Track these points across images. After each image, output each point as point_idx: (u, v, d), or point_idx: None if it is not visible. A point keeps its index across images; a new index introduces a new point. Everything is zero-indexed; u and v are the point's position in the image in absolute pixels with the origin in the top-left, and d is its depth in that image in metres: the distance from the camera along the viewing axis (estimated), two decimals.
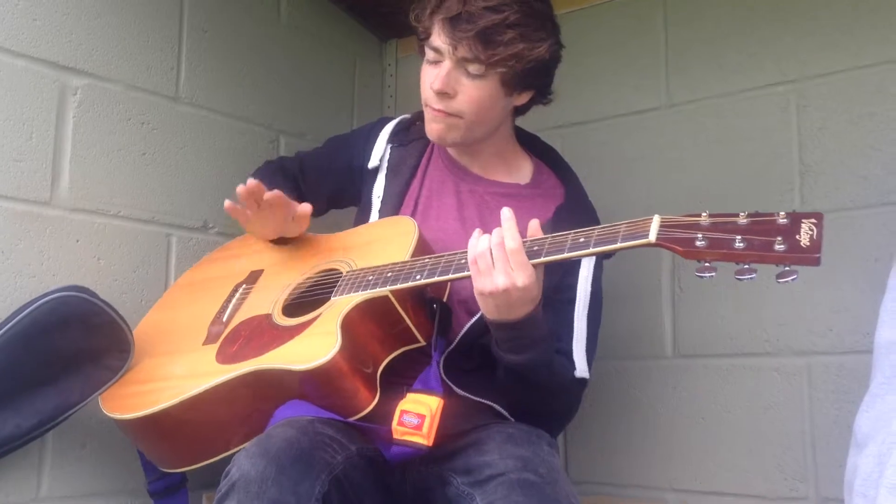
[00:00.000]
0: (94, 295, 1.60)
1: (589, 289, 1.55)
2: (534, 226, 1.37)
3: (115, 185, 1.83)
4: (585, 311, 1.54)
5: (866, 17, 1.86)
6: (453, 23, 1.48)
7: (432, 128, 1.60)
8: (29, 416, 1.53)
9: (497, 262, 1.31)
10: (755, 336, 1.91)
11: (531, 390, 1.46)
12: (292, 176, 1.83)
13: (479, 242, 1.34)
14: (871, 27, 1.85)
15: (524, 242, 1.33)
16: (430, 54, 1.55)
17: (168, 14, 1.98)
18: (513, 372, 1.42)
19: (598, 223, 1.58)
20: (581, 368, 1.51)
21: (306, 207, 1.62)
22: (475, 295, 1.36)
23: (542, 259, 1.31)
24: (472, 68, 1.51)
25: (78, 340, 1.57)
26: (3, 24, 1.66)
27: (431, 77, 1.55)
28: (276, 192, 1.57)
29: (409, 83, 2.55)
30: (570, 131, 2.18)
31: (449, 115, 1.56)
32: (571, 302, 1.55)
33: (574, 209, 1.61)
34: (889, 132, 1.80)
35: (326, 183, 1.83)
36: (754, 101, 1.98)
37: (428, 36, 1.55)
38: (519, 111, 1.67)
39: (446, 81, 1.52)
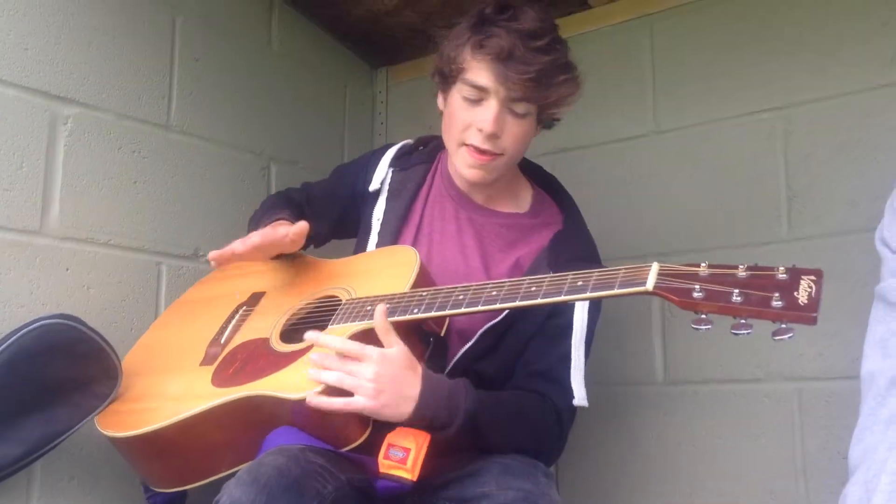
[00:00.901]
0: (81, 322, 1.59)
1: (586, 317, 1.55)
2: (379, 310, 1.37)
3: (106, 213, 1.83)
4: (583, 339, 1.54)
5: (851, 44, 1.88)
6: (506, 64, 1.47)
7: (474, 174, 1.58)
8: (16, 446, 1.52)
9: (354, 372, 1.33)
10: (745, 362, 1.92)
11: (504, 438, 1.46)
12: (298, 204, 1.83)
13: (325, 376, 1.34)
14: (856, 54, 1.87)
15: (522, 282, 1.32)
16: (469, 91, 1.53)
17: (160, 43, 1.99)
18: (452, 440, 1.39)
19: (595, 252, 1.61)
20: (580, 396, 1.50)
21: (302, 226, 1.59)
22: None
23: (540, 301, 1.29)
24: (520, 108, 1.51)
25: (64, 368, 1.56)
26: None
27: (474, 116, 1.53)
28: (259, 237, 1.56)
29: (400, 110, 2.57)
30: (559, 157, 2.19)
31: (494, 155, 1.55)
32: (567, 328, 1.54)
33: (571, 237, 1.62)
34: (875, 158, 1.82)
35: (331, 210, 1.83)
36: (741, 128, 2.00)
37: (462, 72, 1.54)
38: None
39: (498, 123, 1.51)
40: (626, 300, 2.02)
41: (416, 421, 1.34)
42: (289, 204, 1.81)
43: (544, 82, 1.48)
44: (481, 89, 1.51)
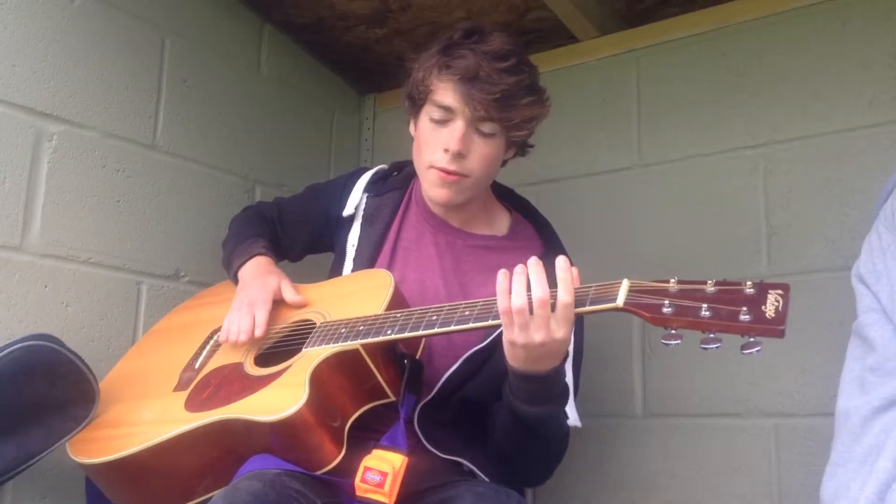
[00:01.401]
0: (60, 344, 1.58)
1: (572, 340, 1.53)
2: (562, 264, 1.29)
3: (88, 231, 1.83)
4: (571, 362, 1.53)
5: (832, 85, 1.91)
6: (472, 83, 1.49)
7: (441, 193, 1.58)
8: None
9: (538, 317, 1.26)
10: (724, 397, 1.92)
11: (536, 441, 1.45)
12: (270, 221, 1.85)
13: (516, 295, 1.27)
14: (837, 94, 1.90)
15: (495, 301, 1.30)
16: (436, 112, 1.55)
17: (148, 63, 2.00)
18: (523, 423, 1.41)
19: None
20: (573, 417, 1.50)
21: (301, 301, 1.63)
22: (504, 343, 1.32)
23: None
24: (486, 128, 1.53)
25: (43, 390, 1.55)
26: None
27: (441, 137, 1.54)
28: (265, 312, 1.58)
29: (387, 137, 2.59)
30: (544, 188, 2.21)
31: (460, 176, 1.55)
32: (564, 361, 1.54)
33: (549, 262, 1.61)
34: (855, 197, 1.84)
35: (303, 230, 1.84)
36: (723, 164, 2.02)
37: (430, 93, 1.56)
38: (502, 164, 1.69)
39: (465, 143, 1.53)
40: (607, 331, 2.05)
41: (535, 382, 1.35)
42: (262, 226, 1.81)
43: (510, 103, 1.50)
44: (447, 109, 1.53)
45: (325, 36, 2.40)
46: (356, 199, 1.76)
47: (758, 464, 1.86)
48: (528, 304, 1.27)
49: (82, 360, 1.60)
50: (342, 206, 1.75)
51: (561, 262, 1.29)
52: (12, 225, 1.70)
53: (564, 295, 1.25)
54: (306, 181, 2.12)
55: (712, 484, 1.91)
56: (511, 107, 1.50)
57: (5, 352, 1.53)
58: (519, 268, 1.30)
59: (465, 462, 1.52)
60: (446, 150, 1.53)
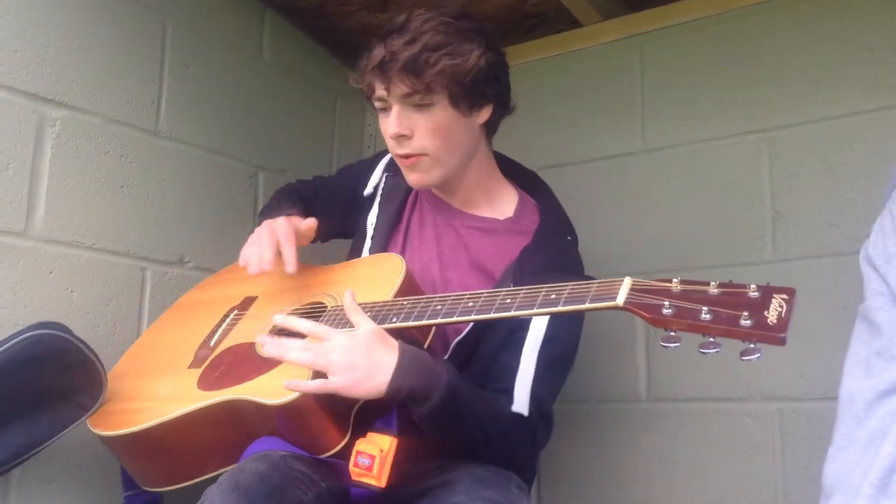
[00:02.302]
0: (69, 332, 1.58)
1: (544, 328, 1.51)
2: (347, 294, 1.43)
3: (91, 217, 1.82)
4: (536, 349, 1.50)
5: (836, 69, 1.90)
6: (381, 67, 1.51)
7: (410, 178, 1.61)
8: None
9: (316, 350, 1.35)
10: (728, 381, 1.93)
11: (462, 438, 1.43)
12: (306, 198, 1.87)
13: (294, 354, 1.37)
14: (841, 79, 1.89)
15: (497, 294, 1.31)
16: (377, 105, 1.58)
17: (150, 48, 1.99)
18: (427, 428, 1.39)
19: (565, 261, 1.59)
20: (519, 402, 1.47)
21: (311, 223, 1.68)
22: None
23: (513, 313, 1.29)
24: (416, 99, 1.52)
25: (51, 378, 1.55)
26: None
27: (385, 126, 1.58)
28: (288, 242, 1.62)
29: None
30: (547, 174, 2.19)
31: (416, 156, 1.57)
32: (522, 340, 1.52)
33: (536, 251, 1.59)
34: (860, 181, 1.84)
35: (334, 210, 1.86)
36: (727, 149, 2.02)
37: (372, 92, 1.58)
38: (489, 131, 1.66)
39: (400, 123, 1.54)
40: (610, 315, 2.04)
41: (394, 393, 1.32)
42: (298, 198, 1.84)
43: (418, 67, 1.49)
44: (380, 100, 1.56)
45: (327, 20, 2.39)
46: (376, 180, 1.79)
47: (761, 448, 1.87)
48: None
49: (90, 349, 1.60)
50: (365, 186, 1.79)
51: (347, 296, 1.43)
52: (16, 211, 1.69)
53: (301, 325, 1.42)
54: (309, 166, 2.13)
55: (716, 468, 1.91)
56: (421, 70, 1.49)
57: (16, 340, 1.53)
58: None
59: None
60: (389, 136, 1.57)
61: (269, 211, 1.80)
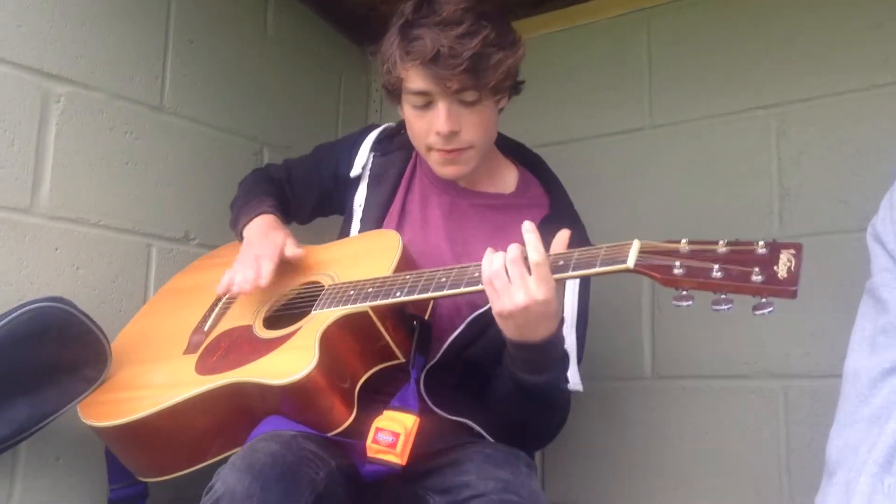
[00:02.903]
0: (72, 305, 1.58)
1: (576, 302, 1.53)
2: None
3: (97, 193, 1.82)
4: (574, 326, 1.52)
5: (845, 45, 1.88)
6: (436, 62, 1.44)
7: (449, 170, 1.58)
8: (2, 426, 1.51)
9: (514, 278, 1.27)
10: (733, 358, 1.93)
11: (538, 408, 1.44)
12: (279, 182, 1.84)
13: (493, 261, 1.29)
14: (850, 54, 1.88)
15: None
16: (414, 99, 1.52)
17: (154, 24, 1.98)
18: (526, 391, 1.40)
19: (584, 234, 1.60)
20: (574, 381, 1.49)
21: (300, 254, 1.61)
22: (495, 316, 1.32)
23: None
24: (468, 96, 1.49)
25: (55, 351, 1.55)
26: None
27: (429, 121, 1.52)
28: (272, 263, 1.57)
29: None
30: (553, 150, 2.18)
31: (462, 149, 1.54)
32: (560, 327, 1.51)
33: (559, 220, 1.58)
34: (868, 158, 1.83)
35: (312, 190, 1.83)
36: (735, 125, 2.01)
37: (402, 82, 1.52)
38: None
39: (453, 121, 1.50)
40: (615, 292, 2.05)
41: (533, 350, 1.33)
42: (270, 187, 1.80)
43: (480, 66, 1.45)
44: (424, 94, 1.50)
45: None
46: (363, 159, 1.74)
47: (766, 425, 1.87)
48: (504, 267, 1.28)
49: (94, 322, 1.60)
50: (350, 166, 1.75)
51: (527, 225, 1.29)
52: (22, 187, 1.69)
53: (533, 254, 1.26)
54: (314, 142, 2.10)
55: (721, 445, 1.92)
56: (483, 70, 1.45)
57: (17, 313, 1.53)
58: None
59: (472, 424, 1.52)
60: (438, 133, 1.51)
61: (241, 206, 1.76)
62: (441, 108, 1.49)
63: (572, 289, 1.53)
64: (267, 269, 1.54)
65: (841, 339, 1.74)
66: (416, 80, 1.49)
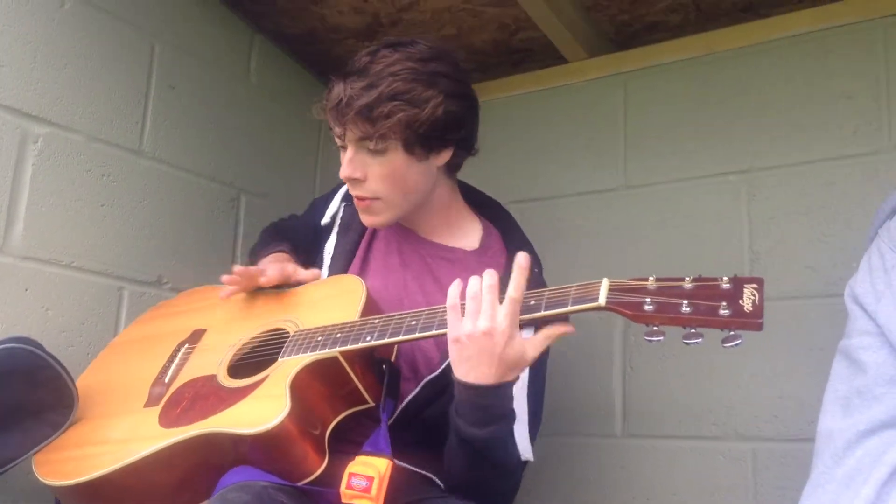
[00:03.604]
0: (40, 347, 1.56)
1: (528, 369, 1.48)
2: (520, 262, 1.32)
3: (71, 235, 1.81)
4: (525, 389, 1.49)
5: (816, 114, 1.93)
6: (338, 109, 1.51)
7: (364, 219, 1.63)
8: None
9: (484, 302, 1.28)
10: (703, 419, 1.93)
11: (481, 466, 1.42)
12: (289, 234, 1.86)
13: (471, 283, 1.31)
14: (821, 124, 1.92)
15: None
16: (337, 142, 1.58)
17: (137, 68, 1.99)
18: (468, 445, 1.38)
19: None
20: (524, 449, 1.46)
21: (315, 273, 1.64)
22: (449, 346, 1.32)
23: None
24: (370, 145, 1.51)
25: (21, 394, 1.52)
26: None
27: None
28: (271, 274, 1.60)
29: None
30: (529, 206, 2.22)
31: (369, 199, 1.57)
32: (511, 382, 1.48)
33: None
34: (836, 225, 1.86)
35: (306, 242, 1.84)
36: (708, 188, 2.04)
37: (331, 128, 1.58)
38: (450, 170, 1.65)
39: (353, 167, 1.54)
40: (587, 347, 2.05)
41: (483, 396, 1.32)
42: (283, 236, 1.84)
43: (372, 116, 1.48)
44: (338, 138, 1.57)
45: (316, 48, 2.41)
46: (334, 209, 1.77)
47: (735, 487, 1.87)
48: (474, 293, 1.30)
49: (62, 365, 1.57)
50: (322, 215, 1.78)
51: (520, 258, 1.30)
52: None
53: (513, 290, 1.28)
54: (292, 192, 2.13)
55: None
56: (376, 119, 1.48)
57: None
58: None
59: (436, 479, 1.51)
60: (344, 178, 1.57)
61: (259, 251, 1.81)
62: (347, 154, 1.55)
63: None
64: (271, 273, 1.60)
65: (808, 402, 1.76)
66: (332, 124, 1.56)
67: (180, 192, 2.07)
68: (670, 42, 2.16)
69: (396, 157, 1.53)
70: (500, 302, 1.29)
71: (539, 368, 1.54)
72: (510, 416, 1.39)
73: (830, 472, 1.18)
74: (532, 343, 1.32)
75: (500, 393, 1.33)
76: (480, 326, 1.28)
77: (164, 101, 2.05)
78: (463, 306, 1.31)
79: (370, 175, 1.54)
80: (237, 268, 1.62)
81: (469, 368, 1.31)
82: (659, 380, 1.99)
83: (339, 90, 1.52)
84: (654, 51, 2.17)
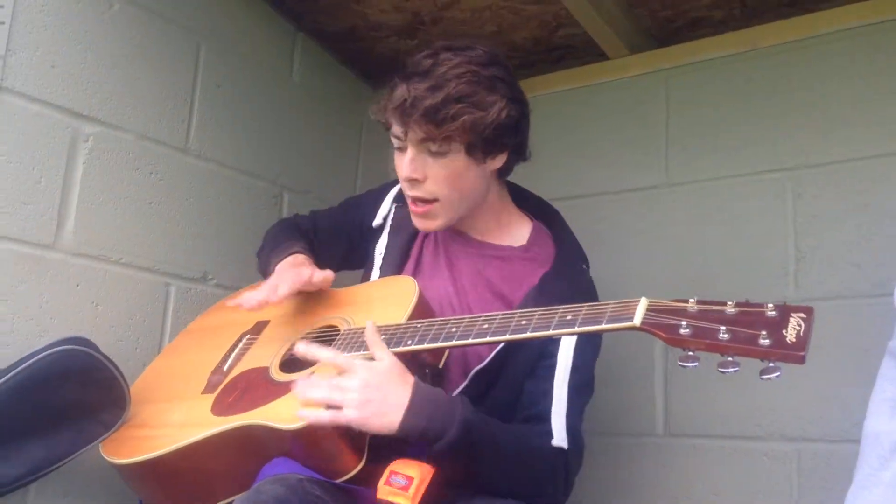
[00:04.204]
0: (95, 349, 1.60)
1: (571, 356, 1.52)
2: (369, 324, 1.42)
3: (119, 232, 1.85)
4: (566, 379, 1.50)
5: (863, 111, 1.91)
6: (402, 109, 1.51)
7: (418, 223, 1.63)
8: (17, 466, 1.52)
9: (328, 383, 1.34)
10: (746, 419, 1.92)
11: (487, 467, 1.41)
12: (306, 232, 1.86)
13: (315, 393, 1.35)
14: (865, 120, 1.90)
15: (513, 316, 1.32)
16: (394, 142, 1.59)
17: (183, 67, 2.03)
18: (447, 457, 1.36)
19: (585, 289, 1.60)
20: (559, 437, 1.47)
21: (328, 276, 1.64)
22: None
23: (529, 334, 1.28)
24: (433, 147, 1.53)
25: (76, 394, 1.56)
26: (22, 70, 1.69)
27: (399, 165, 1.58)
28: (287, 288, 1.59)
29: None
30: (570, 204, 2.20)
31: (426, 202, 1.57)
32: (552, 368, 1.52)
33: (559, 276, 1.60)
34: (883, 223, 1.84)
35: (340, 242, 1.86)
36: (751, 186, 2.02)
37: (390, 127, 1.59)
38: (502, 174, 1.66)
39: (413, 167, 1.54)
40: (630, 350, 2.05)
41: (409, 430, 1.32)
42: (298, 235, 1.83)
43: (438, 118, 1.49)
44: (397, 138, 1.57)
45: (357, 45, 2.43)
46: (385, 210, 1.79)
47: (778, 488, 1.85)
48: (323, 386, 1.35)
49: (115, 366, 1.61)
50: (373, 217, 1.79)
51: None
52: (47, 224, 1.72)
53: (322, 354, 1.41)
54: (333, 189, 2.14)
55: None
56: (441, 121, 1.49)
57: (42, 354, 1.55)
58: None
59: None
60: (402, 177, 1.57)
61: (271, 250, 1.78)
62: (408, 154, 1.55)
63: (567, 345, 1.53)
64: (281, 291, 1.57)
65: (853, 403, 1.74)
66: (394, 124, 1.56)
67: (225, 189, 2.10)
68: (713, 38, 2.14)
69: (457, 160, 1.54)
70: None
71: (582, 365, 1.54)
72: (448, 429, 1.35)
73: (877, 475, 1.16)
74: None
75: (408, 427, 1.34)
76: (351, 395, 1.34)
77: (209, 100, 2.08)
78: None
79: (430, 176, 1.55)
80: (245, 303, 1.60)
81: (380, 424, 1.34)
82: (701, 379, 1.97)
83: (402, 91, 1.52)
84: (697, 47, 2.16)
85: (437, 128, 1.50)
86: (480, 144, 1.54)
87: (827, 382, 1.82)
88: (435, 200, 1.57)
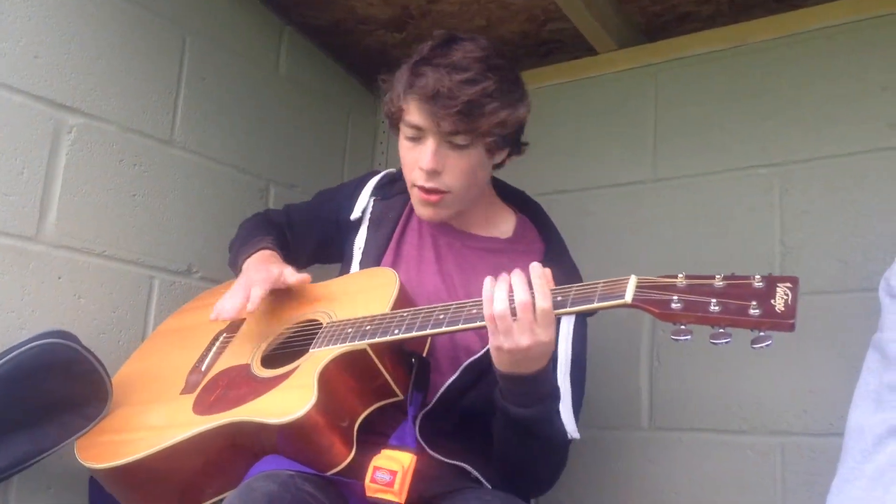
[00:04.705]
0: (77, 342, 1.59)
1: (570, 348, 1.53)
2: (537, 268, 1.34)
3: (102, 224, 1.83)
4: (568, 371, 1.51)
5: (849, 107, 1.91)
6: (434, 100, 1.48)
7: (425, 212, 1.61)
8: (1, 458, 1.50)
9: (521, 322, 1.29)
10: (731, 413, 1.92)
11: (531, 444, 1.44)
12: (278, 225, 1.84)
13: (496, 299, 1.30)
14: (854, 116, 1.90)
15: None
16: (408, 131, 1.55)
17: (168, 59, 2.01)
18: (516, 424, 1.41)
19: (576, 279, 1.60)
20: (571, 428, 1.48)
21: (304, 278, 1.61)
22: (490, 348, 1.34)
23: None
24: (458, 140, 1.51)
25: (58, 387, 1.56)
26: (5, 61, 1.68)
27: (416, 155, 1.55)
28: (261, 290, 1.55)
29: None
30: (557, 198, 2.21)
31: (440, 193, 1.56)
32: (553, 362, 1.50)
33: (553, 266, 1.61)
34: (869, 219, 1.84)
35: (313, 235, 1.84)
36: (739, 181, 2.02)
37: (402, 113, 1.56)
38: (498, 167, 1.68)
39: (437, 159, 1.52)
40: (614, 341, 2.05)
41: (524, 383, 1.36)
42: (270, 229, 1.81)
43: (474, 113, 1.48)
44: (418, 128, 1.53)
45: (344, 39, 2.42)
46: (363, 203, 1.76)
47: (763, 482, 1.86)
48: (511, 309, 1.29)
49: (98, 359, 1.60)
50: (351, 210, 1.76)
51: (535, 268, 1.32)
52: (29, 215, 1.70)
53: (542, 301, 1.29)
54: (320, 183, 2.13)
55: (717, 501, 1.90)
56: (476, 116, 1.48)
57: (25, 348, 1.53)
58: (503, 275, 1.33)
59: (469, 468, 1.51)
60: (421, 169, 1.54)
61: (241, 245, 1.76)
62: (429, 145, 1.52)
63: (565, 336, 1.53)
64: (255, 296, 1.53)
65: (838, 397, 1.74)
66: (413, 113, 1.53)
67: (210, 182, 2.09)
68: (701, 33, 2.14)
69: (476, 153, 1.54)
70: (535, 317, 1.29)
71: (579, 354, 1.56)
72: (554, 393, 1.42)
73: (860, 468, 1.16)
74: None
75: (540, 378, 1.36)
76: (522, 343, 1.29)
77: (194, 93, 2.06)
78: (505, 317, 1.30)
79: (447, 168, 1.54)
80: (224, 314, 1.55)
81: (512, 368, 1.35)
82: (687, 373, 1.98)
83: (433, 79, 1.48)
84: (685, 42, 2.16)
85: (470, 123, 1.49)
86: (500, 140, 1.55)
87: (812, 376, 1.83)
88: (448, 192, 1.57)
